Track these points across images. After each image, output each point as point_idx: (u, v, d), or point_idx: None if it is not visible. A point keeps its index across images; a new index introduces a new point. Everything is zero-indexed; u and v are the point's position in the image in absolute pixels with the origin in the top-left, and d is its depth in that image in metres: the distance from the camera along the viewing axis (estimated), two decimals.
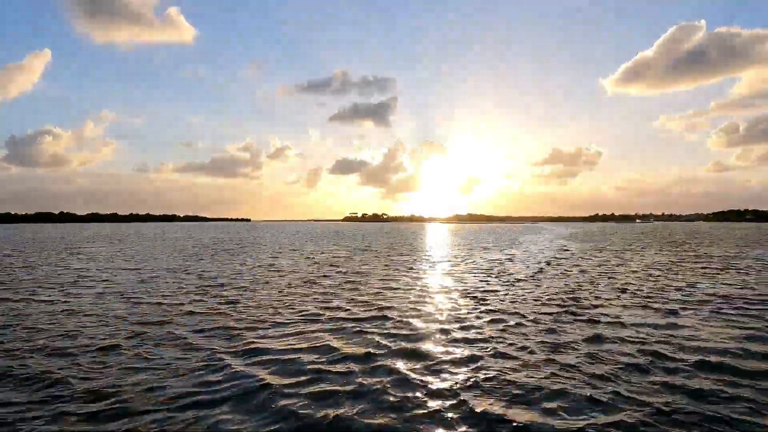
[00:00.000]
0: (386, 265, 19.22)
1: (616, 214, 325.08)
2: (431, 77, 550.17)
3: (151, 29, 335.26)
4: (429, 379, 5.63)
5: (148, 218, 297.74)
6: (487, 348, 6.88)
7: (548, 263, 19.74)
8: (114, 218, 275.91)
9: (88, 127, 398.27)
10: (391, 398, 5.05)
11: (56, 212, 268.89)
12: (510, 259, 21.87)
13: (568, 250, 27.79)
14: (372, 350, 6.77)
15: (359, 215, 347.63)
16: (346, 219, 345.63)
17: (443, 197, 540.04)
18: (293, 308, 9.99)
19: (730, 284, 13.22)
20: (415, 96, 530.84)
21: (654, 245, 33.27)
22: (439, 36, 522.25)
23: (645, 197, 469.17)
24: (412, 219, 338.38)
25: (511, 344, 7.06)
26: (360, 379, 5.61)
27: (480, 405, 4.84)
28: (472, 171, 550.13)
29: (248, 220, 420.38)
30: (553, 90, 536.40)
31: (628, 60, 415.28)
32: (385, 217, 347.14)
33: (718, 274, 15.83)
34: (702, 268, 17.78)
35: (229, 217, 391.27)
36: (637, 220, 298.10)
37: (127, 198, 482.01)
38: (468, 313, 9.38)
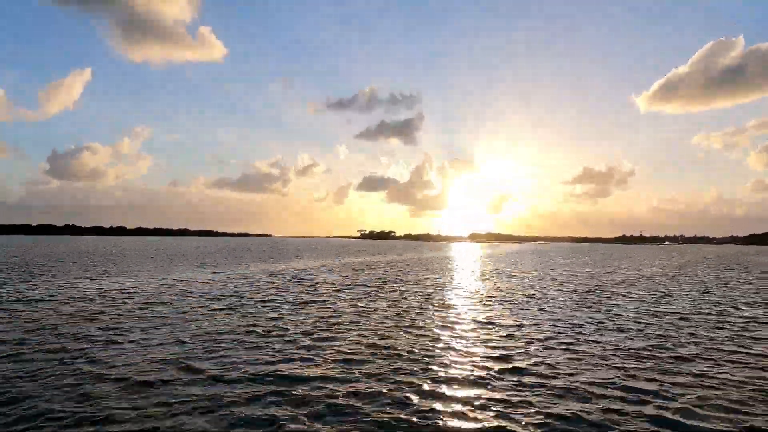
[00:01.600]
0: None
1: (645, 235, 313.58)
2: (459, 94, 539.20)
3: (183, 48, 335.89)
4: None
5: (156, 232, 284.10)
6: None
7: None
8: (120, 232, 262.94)
9: (124, 143, 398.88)
10: None
11: (60, 225, 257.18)
12: None
13: None
14: None
15: (367, 232, 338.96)
16: (362, 236, 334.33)
17: (470, 215, 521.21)
18: None
19: None
20: (443, 113, 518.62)
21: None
22: (467, 52, 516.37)
23: (681, 218, 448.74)
24: (428, 238, 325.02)
25: None
26: None
27: None
28: (500, 189, 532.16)
29: (269, 236, 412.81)
30: (583, 107, 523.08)
31: (662, 77, 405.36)
32: (393, 234, 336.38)
33: None
34: None
35: (251, 233, 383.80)
36: (666, 242, 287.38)
37: (162, 212, 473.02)
38: None
